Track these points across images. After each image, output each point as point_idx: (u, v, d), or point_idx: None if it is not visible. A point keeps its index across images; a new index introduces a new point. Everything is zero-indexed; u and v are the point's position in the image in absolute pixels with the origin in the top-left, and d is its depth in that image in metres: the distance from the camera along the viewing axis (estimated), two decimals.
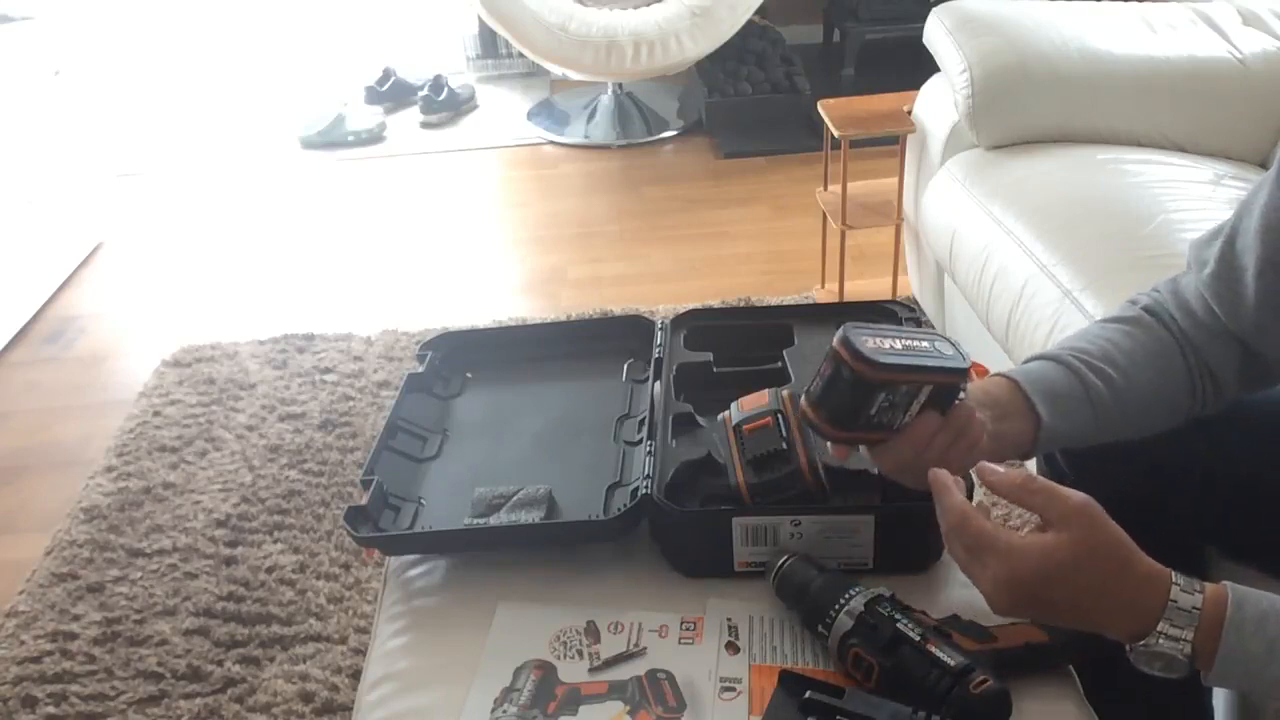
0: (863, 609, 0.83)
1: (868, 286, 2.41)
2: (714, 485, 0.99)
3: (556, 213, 2.98)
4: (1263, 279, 0.86)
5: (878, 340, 0.80)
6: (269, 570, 1.72)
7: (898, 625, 0.82)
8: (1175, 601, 0.71)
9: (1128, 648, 0.72)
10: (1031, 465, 1.37)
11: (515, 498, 1.02)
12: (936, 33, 1.92)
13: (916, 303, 2.23)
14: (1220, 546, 1.06)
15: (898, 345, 0.81)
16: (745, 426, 0.96)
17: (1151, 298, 0.96)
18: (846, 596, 0.85)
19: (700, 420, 1.07)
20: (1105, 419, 0.89)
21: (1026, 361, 0.93)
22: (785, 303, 2.39)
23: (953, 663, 0.78)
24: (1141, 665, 0.72)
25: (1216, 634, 0.70)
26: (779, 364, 1.15)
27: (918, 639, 0.80)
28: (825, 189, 2.37)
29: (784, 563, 0.91)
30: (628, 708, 0.84)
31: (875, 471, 0.97)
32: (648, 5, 3.21)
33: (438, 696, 0.88)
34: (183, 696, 1.52)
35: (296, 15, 4.05)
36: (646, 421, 1.08)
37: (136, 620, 1.64)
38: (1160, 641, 0.70)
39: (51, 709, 1.51)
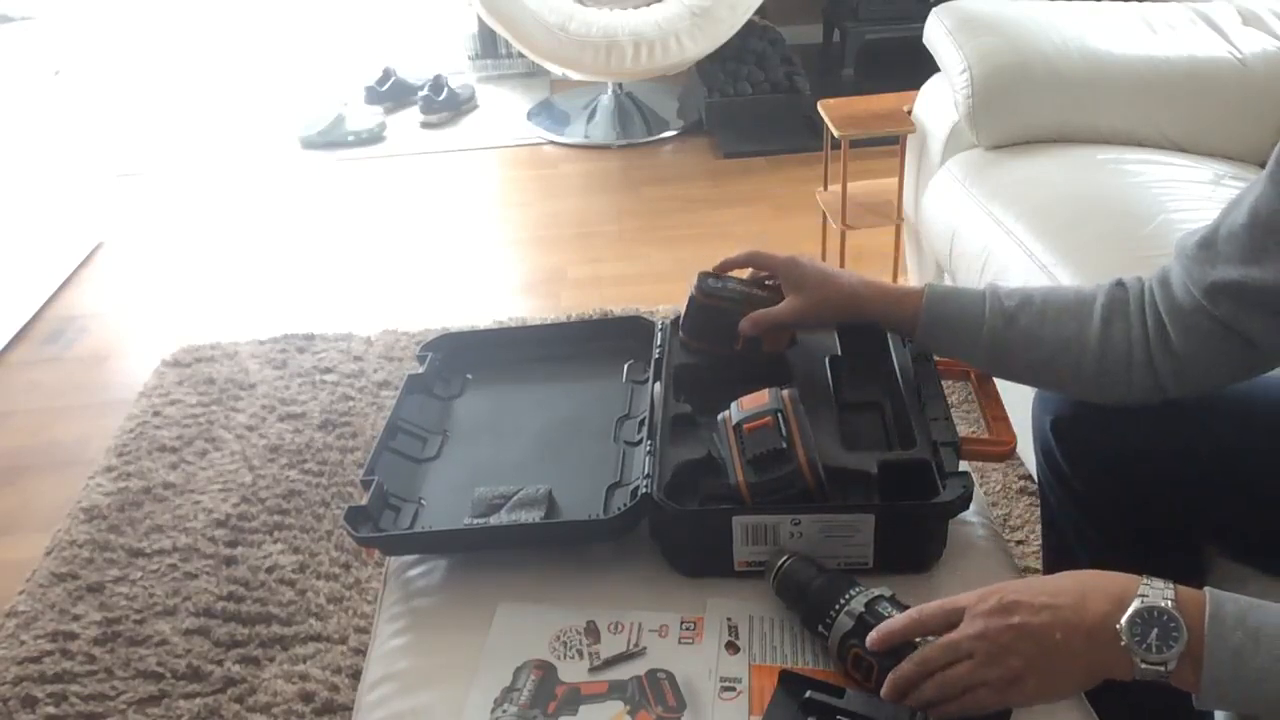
0: (863, 609, 0.83)
1: None
2: (714, 485, 0.99)
3: (556, 213, 2.98)
4: (1245, 268, 0.86)
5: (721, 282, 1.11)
6: (269, 570, 1.72)
7: None
8: (1145, 596, 0.73)
9: (1125, 642, 0.72)
10: (1031, 462, 1.37)
11: (515, 498, 1.02)
12: (936, 33, 1.92)
13: None
14: (1220, 546, 1.06)
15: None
16: (745, 426, 0.96)
17: (1133, 277, 0.98)
18: (846, 596, 0.85)
19: (700, 420, 1.07)
20: (994, 335, 0.97)
21: None
22: None
23: None
24: (1143, 657, 0.72)
25: (1199, 632, 0.71)
26: (779, 364, 1.14)
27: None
28: (825, 189, 2.37)
29: (784, 563, 0.91)
30: (628, 708, 0.84)
31: (873, 471, 0.97)
32: (648, 5, 3.21)
33: (438, 696, 0.88)
34: (183, 696, 1.52)
35: (296, 15, 4.05)
36: (646, 421, 1.08)
37: (136, 620, 1.64)
38: (1148, 593, 0.73)
39: (51, 709, 1.51)
